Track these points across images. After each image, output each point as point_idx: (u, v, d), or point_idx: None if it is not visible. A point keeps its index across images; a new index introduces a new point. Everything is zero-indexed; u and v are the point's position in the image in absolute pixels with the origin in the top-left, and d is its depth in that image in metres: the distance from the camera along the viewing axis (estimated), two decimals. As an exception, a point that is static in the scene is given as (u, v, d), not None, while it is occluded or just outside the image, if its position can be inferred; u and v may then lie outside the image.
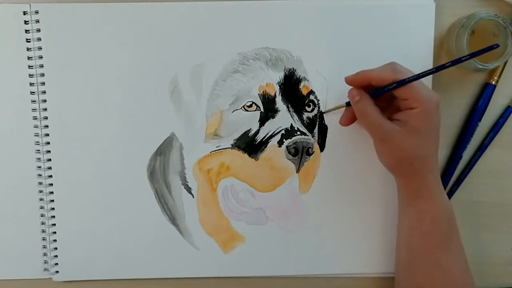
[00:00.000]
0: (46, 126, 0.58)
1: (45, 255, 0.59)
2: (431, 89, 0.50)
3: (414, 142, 0.49)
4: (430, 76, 0.57)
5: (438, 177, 0.52)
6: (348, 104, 0.54)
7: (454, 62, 0.49)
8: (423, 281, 0.52)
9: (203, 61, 0.57)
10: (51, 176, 0.58)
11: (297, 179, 0.58)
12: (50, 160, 0.58)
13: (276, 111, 0.57)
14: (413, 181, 0.51)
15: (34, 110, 0.58)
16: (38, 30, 0.57)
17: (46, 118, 0.58)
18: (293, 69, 0.58)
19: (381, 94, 0.50)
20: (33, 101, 0.58)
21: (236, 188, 0.58)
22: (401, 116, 0.50)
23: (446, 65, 0.49)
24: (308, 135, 0.57)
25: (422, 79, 0.49)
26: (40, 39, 0.57)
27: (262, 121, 0.57)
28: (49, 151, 0.58)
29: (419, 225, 0.51)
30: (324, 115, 0.58)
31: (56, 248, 0.59)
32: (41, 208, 0.58)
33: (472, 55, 0.49)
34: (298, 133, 0.56)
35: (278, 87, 0.57)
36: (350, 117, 0.54)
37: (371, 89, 0.51)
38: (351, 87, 0.53)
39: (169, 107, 0.58)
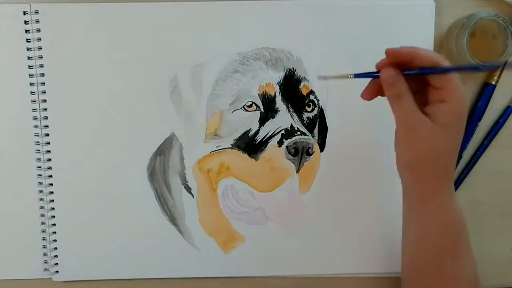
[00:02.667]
0: (46, 126, 0.58)
1: (45, 255, 0.59)
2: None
3: (440, 139, 0.45)
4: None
5: (453, 183, 0.48)
6: (356, 76, 0.48)
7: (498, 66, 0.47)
8: None
9: (203, 61, 0.57)
10: (51, 176, 0.58)
11: (297, 179, 0.58)
12: (50, 160, 0.58)
13: (276, 111, 0.57)
14: (427, 183, 0.47)
15: (34, 110, 0.58)
16: (38, 30, 0.57)
17: (46, 118, 0.58)
18: (293, 69, 0.58)
19: (415, 75, 0.46)
20: (33, 101, 0.58)
21: (236, 188, 0.58)
22: (431, 110, 0.46)
23: (488, 68, 0.47)
24: (308, 135, 0.57)
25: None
26: (40, 39, 0.57)
27: (262, 121, 0.57)
28: (49, 151, 0.58)
29: (428, 233, 0.48)
30: (326, 116, 0.58)
31: (56, 248, 0.59)
32: (41, 208, 0.58)
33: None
34: (298, 133, 0.56)
35: (278, 87, 0.57)
36: (373, 92, 0.48)
37: (401, 68, 0.46)
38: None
39: (169, 107, 0.58)
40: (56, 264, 0.59)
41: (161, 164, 0.58)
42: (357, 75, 0.48)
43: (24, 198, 0.58)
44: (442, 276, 0.48)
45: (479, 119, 0.59)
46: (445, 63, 0.45)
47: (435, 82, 0.46)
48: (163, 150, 0.58)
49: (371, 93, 0.48)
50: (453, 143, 0.46)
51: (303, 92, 0.58)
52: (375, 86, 0.48)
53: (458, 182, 0.60)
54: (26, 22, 0.57)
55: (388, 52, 0.46)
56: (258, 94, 0.57)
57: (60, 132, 0.58)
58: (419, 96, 0.47)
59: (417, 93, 0.47)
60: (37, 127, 0.58)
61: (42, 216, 0.59)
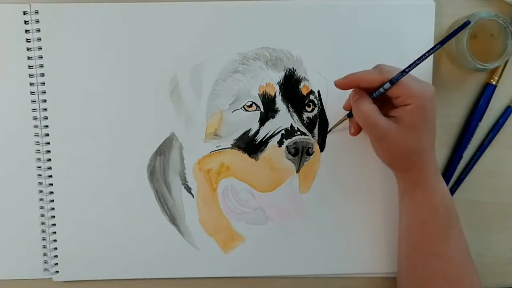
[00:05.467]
0: (46, 126, 0.58)
1: (45, 255, 0.59)
2: (426, 82, 0.50)
3: (410, 137, 0.49)
4: (431, 75, 0.57)
5: (436, 167, 0.52)
6: (349, 115, 0.55)
7: (435, 47, 0.48)
8: (423, 271, 0.52)
9: (203, 61, 0.57)
10: (51, 176, 0.58)
11: (297, 179, 0.58)
12: (50, 160, 0.58)
13: (276, 111, 0.57)
14: (410, 173, 0.52)
15: (34, 110, 0.58)
16: (38, 30, 0.57)
17: (46, 118, 0.58)
18: (293, 69, 0.58)
19: (378, 96, 0.50)
20: (33, 101, 0.58)
21: (236, 188, 0.58)
22: (396, 113, 0.50)
23: (427, 54, 0.48)
24: (308, 135, 0.57)
25: (420, 75, 0.50)
26: (40, 39, 0.57)
27: (262, 121, 0.57)
28: (49, 151, 0.58)
29: (418, 215, 0.52)
30: (326, 116, 0.58)
31: (56, 248, 0.59)
32: (41, 208, 0.58)
33: (451, 35, 0.47)
34: (298, 133, 0.56)
35: (278, 87, 0.57)
36: (357, 127, 0.54)
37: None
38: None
39: (169, 107, 0.58)
40: (56, 264, 0.59)
41: (161, 164, 0.58)
42: (349, 114, 0.55)
43: (24, 198, 0.58)
44: (435, 254, 0.51)
45: (479, 119, 0.58)
46: (387, 73, 0.49)
47: (391, 93, 0.50)
48: (163, 150, 0.58)
49: (356, 129, 0.54)
50: (424, 136, 0.50)
51: (303, 92, 0.58)
52: (355, 122, 0.53)
53: (458, 182, 0.60)
54: (26, 22, 0.57)
55: (336, 83, 0.52)
56: (258, 94, 0.57)
57: (60, 132, 0.58)
58: (387, 105, 0.51)
59: (385, 103, 0.51)
60: (37, 127, 0.58)
61: (42, 216, 0.59)
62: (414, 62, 0.48)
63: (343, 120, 0.56)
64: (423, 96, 0.49)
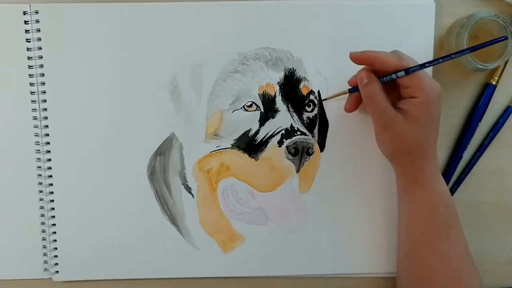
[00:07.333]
0: (46, 126, 0.58)
1: (45, 255, 0.59)
2: (435, 80, 0.50)
3: (415, 132, 0.50)
4: (431, 75, 0.57)
5: (437, 165, 0.52)
6: (350, 91, 0.55)
7: (462, 52, 0.48)
8: (423, 270, 0.52)
9: (203, 61, 0.57)
10: (51, 176, 0.58)
11: (297, 179, 0.58)
12: (50, 160, 0.58)
13: (276, 111, 0.57)
14: (411, 169, 0.52)
15: (34, 110, 0.58)
16: (38, 30, 0.57)
17: (46, 118, 0.58)
18: (293, 69, 0.58)
19: (388, 81, 0.50)
20: (33, 101, 0.58)
21: (236, 188, 0.58)
22: (403, 105, 0.50)
23: (452, 56, 0.48)
24: (308, 135, 0.57)
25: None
26: (40, 39, 0.57)
27: (262, 121, 0.57)
28: (49, 151, 0.58)
29: (418, 213, 0.52)
30: (326, 116, 0.58)
31: (56, 248, 0.59)
32: (41, 208, 0.58)
33: (483, 45, 0.48)
34: (298, 133, 0.56)
35: (278, 87, 0.57)
36: (354, 104, 0.55)
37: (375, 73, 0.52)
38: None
39: (169, 107, 0.58)
40: (56, 264, 0.59)
41: (161, 164, 0.58)
42: (351, 90, 0.55)
43: (24, 198, 0.58)
44: (435, 252, 0.51)
45: (479, 119, 0.58)
46: (404, 61, 0.49)
47: (402, 82, 0.50)
48: (163, 150, 0.58)
49: (352, 105, 0.55)
50: (428, 133, 0.51)
51: (303, 92, 0.58)
52: (355, 99, 0.55)
53: (458, 182, 0.60)
54: (26, 22, 0.57)
55: (351, 55, 0.52)
56: (258, 94, 0.57)
57: (60, 132, 0.58)
58: (393, 93, 0.51)
59: (391, 92, 0.51)
60: (37, 127, 0.58)
61: (42, 216, 0.59)
62: (437, 59, 0.49)
63: (342, 94, 0.56)
64: (431, 92, 0.49)
